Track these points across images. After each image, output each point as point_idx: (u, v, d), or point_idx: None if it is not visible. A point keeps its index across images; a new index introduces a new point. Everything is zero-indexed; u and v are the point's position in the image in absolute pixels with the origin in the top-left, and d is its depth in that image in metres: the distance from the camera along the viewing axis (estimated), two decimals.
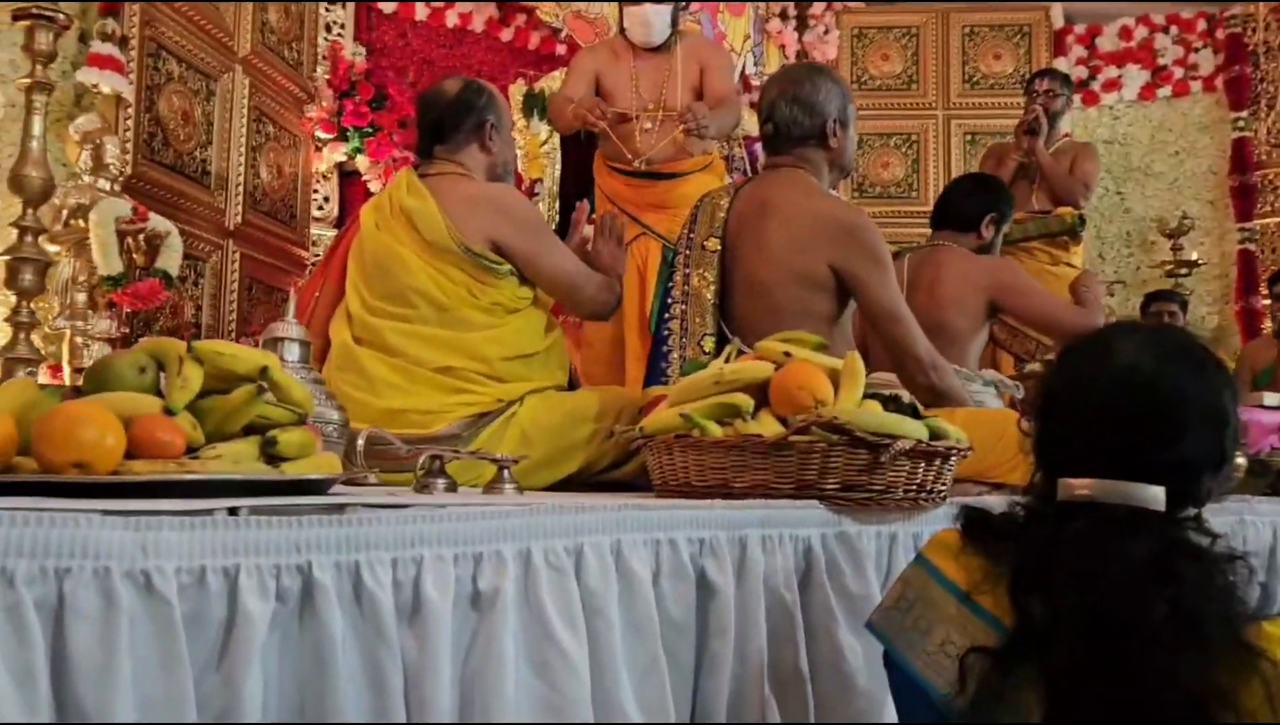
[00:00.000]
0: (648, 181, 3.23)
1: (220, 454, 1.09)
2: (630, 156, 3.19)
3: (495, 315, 2.11)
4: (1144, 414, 0.98)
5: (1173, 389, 0.98)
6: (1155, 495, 0.96)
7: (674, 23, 3.33)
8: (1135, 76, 5.78)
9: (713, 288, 2.10)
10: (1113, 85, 5.82)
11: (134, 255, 2.86)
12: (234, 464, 1.11)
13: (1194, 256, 5.31)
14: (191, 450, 1.10)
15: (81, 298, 2.71)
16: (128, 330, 3.04)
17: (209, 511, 0.93)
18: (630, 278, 3.16)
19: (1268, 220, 5.38)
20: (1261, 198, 5.41)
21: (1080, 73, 5.87)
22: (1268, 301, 5.14)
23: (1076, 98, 5.81)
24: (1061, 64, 5.77)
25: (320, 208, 4.38)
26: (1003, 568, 0.98)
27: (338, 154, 4.38)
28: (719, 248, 2.11)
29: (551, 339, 2.22)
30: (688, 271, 2.14)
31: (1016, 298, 2.67)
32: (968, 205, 2.84)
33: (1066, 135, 4.60)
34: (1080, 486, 0.98)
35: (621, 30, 3.38)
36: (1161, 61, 5.74)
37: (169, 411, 1.09)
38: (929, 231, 4.67)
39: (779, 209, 2.05)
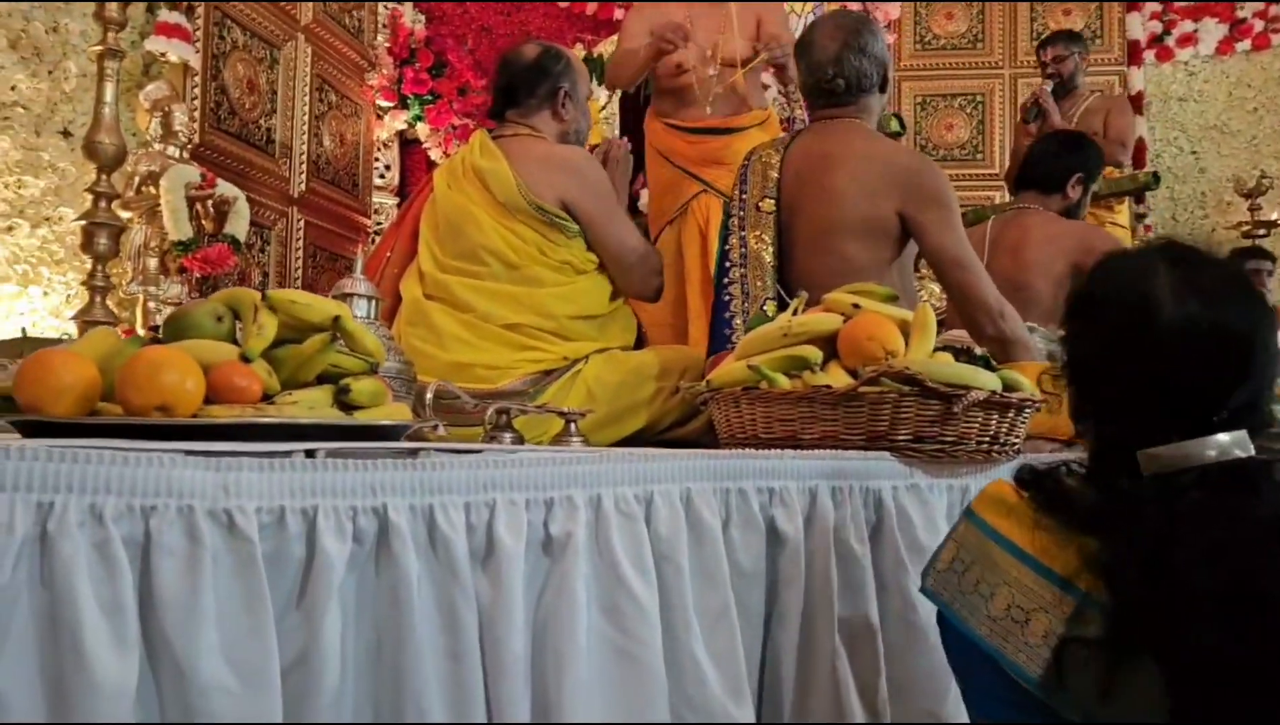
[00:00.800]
0: (706, 136, 3.20)
1: (296, 400, 1.11)
2: (695, 106, 3.15)
3: (564, 274, 2.13)
4: (1213, 364, 0.91)
5: (1234, 331, 0.92)
6: (1242, 440, 0.91)
7: None
8: (1212, 31, 5.57)
9: (770, 250, 2.07)
10: (1188, 40, 5.61)
11: (203, 221, 2.92)
12: (309, 409, 1.12)
13: (1274, 217, 5.12)
14: (268, 397, 1.12)
15: (153, 263, 2.77)
16: (198, 294, 3.11)
17: (287, 454, 0.94)
18: (691, 236, 3.15)
19: None
20: None
21: (1154, 27, 5.66)
22: None
23: (1150, 54, 5.63)
24: (1134, 19, 5.59)
25: (382, 176, 4.42)
26: (1073, 529, 0.92)
27: (399, 122, 4.41)
28: (774, 208, 2.08)
29: (619, 303, 2.22)
30: (743, 234, 2.12)
31: None
32: (1054, 165, 2.77)
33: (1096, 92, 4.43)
34: (1165, 454, 0.92)
35: None
36: (1240, 14, 5.52)
37: (245, 358, 1.11)
38: (993, 195, 4.58)
39: (845, 159, 2.02)
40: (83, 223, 2.48)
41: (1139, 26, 5.61)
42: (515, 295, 2.07)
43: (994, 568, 0.96)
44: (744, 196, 2.15)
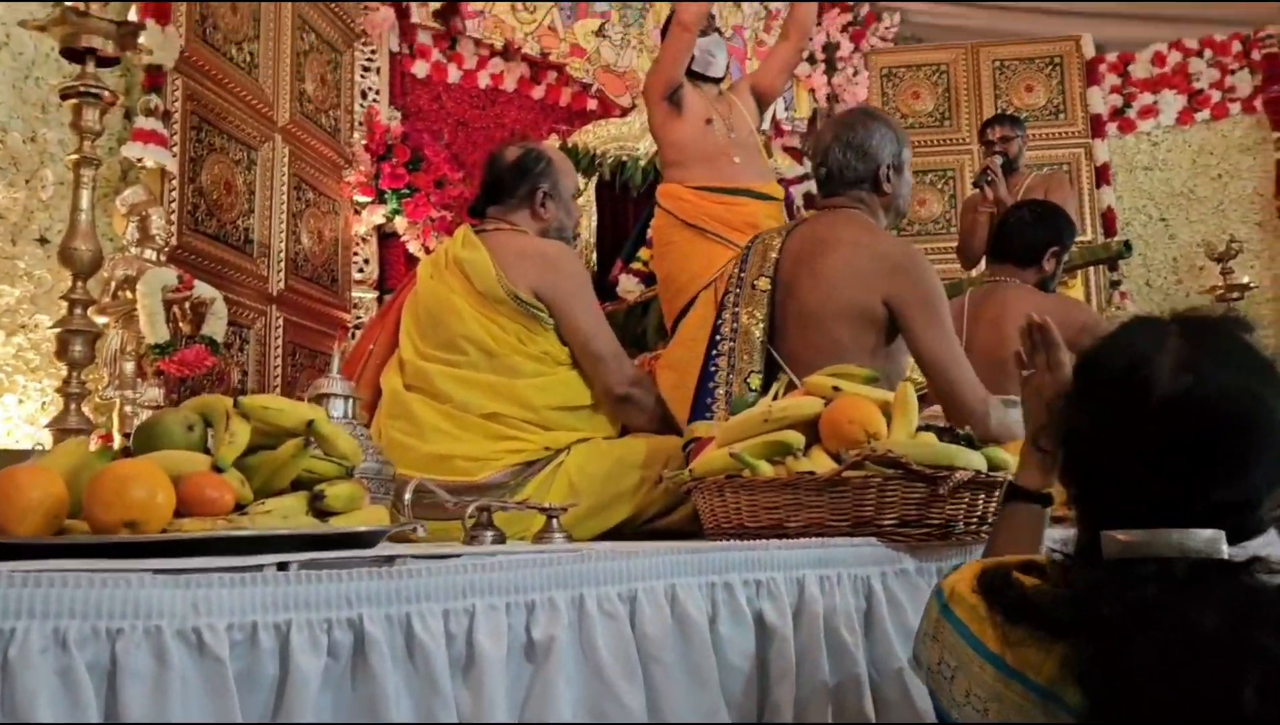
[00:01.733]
0: (743, 199, 3.23)
1: (269, 509, 1.08)
2: (728, 169, 3.22)
3: (544, 364, 2.13)
4: (1200, 448, 0.84)
5: (1229, 414, 0.84)
6: (1215, 541, 0.84)
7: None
8: (1172, 102, 5.73)
9: (761, 326, 2.09)
10: (1149, 112, 5.77)
11: (180, 323, 2.91)
12: (283, 519, 1.10)
13: (1245, 280, 5.20)
14: (240, 507, 1.10)
15: (130, 367, 2.75)
16: (175, 397, 3.09)
17: (259, 567, 0.92)
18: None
19: None
20: None
21: (1115, 101, 5.83)
22: None
23: (1113, 127, 5.78)
24: (1094, 93, 5.75)
25: (360, 270, 4.44)
26: (1049, 634, 0.86)
27: (376, 216, 4.44)
28: (769, 287, 2.11)
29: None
30: (736, 310, 2.14)
31: (1087, 337, 2.63)
32: (1029, 237, 2.79)
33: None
34: (1128, 541, 0.85)
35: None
36: (1198, 85, 5.69)
37: (217, 468, 1.09)
38: (964, 266, 4.63)
39: (837, 244, 2.05)
40: (58, 330, 2.47)
41: (1100, 100, 5.78)
42: (494, 385, 2.06)
43: (982, 683, 0.91)
44: (742, 275, 2.19)
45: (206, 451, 1.15)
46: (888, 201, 2.15)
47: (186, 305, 2.88)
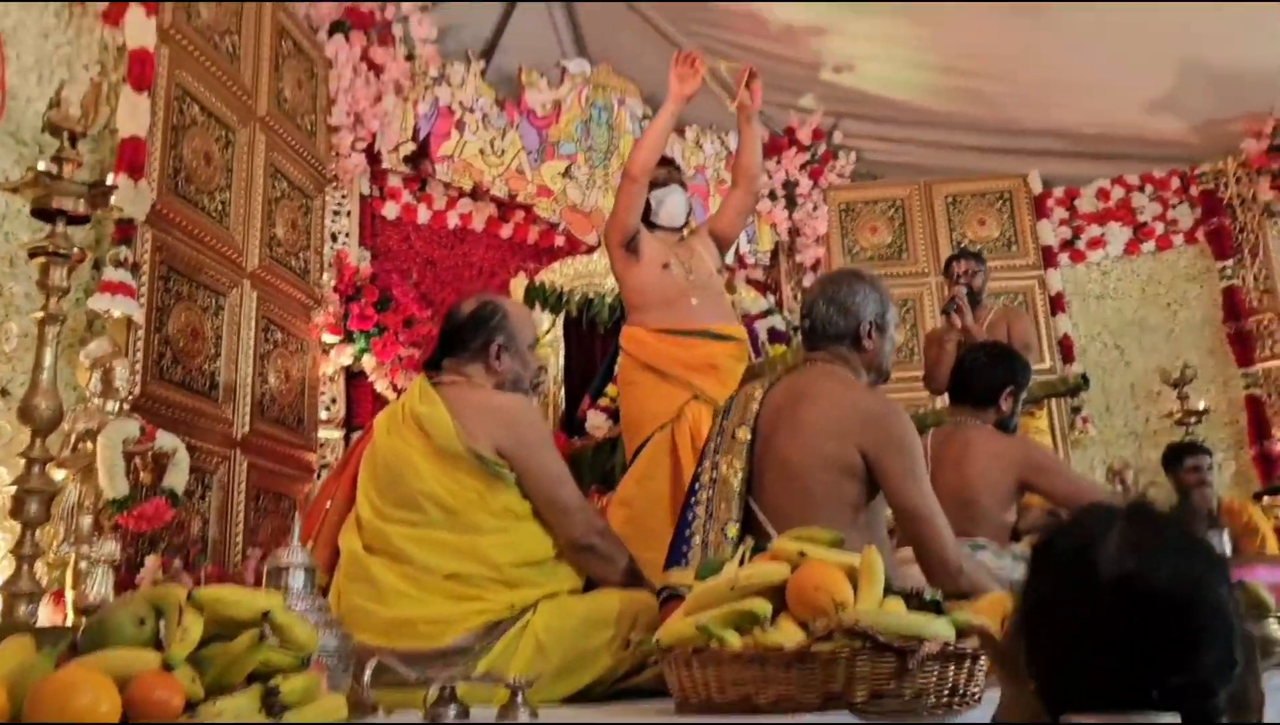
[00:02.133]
0: (701, 340, 3.28)
1: (220, 710, 1.05)
2: (687, 312, 3.28)
3: (506, 519, 2.11)
4: (1149, 629, 0.86)
5: (1177, 594, 0.86)
6: None
7: (689, 209, 3.56)
8: (1118, 234, 5.95)
9: (740, 476, 2.10)
10: (1097, 243, 5.98)
11: (141, 474, 2.86)
12: (235, 716, 1.07)
13: (1201, 405, 5.30)
14: (191, 705, 1.06)
15: (87, 522, 2.69)
16: (133, 551, 3.02)
17: None
18: (684, 439, 3.17)
19: (1269, 364, 5.41)
20: (1260, 343, 5.46)
21: (1064, 233, 6.04)
22: None
23: (1064, 256, 5.98)
24: (1044, 226, 5.96)
25: (327, 409, 4.42)
26: None
27: (344, 356, 4.45)
28: (749, 437, 2.13)
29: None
30: (717, 458, 2.16)
31: (1047, 477, 2.67)
32: (984, 379, 2.86)
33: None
34: None
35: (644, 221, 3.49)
36: (1142, 218, 5.93)
37: (168, 665, 1.06)
38: (928, 395, 4.70)
39: (816, 396, 2.08)
40: (14, 488, 2.42)
41: (1050, 232, 5.99)
42: (455, 544, 2.04)
43: None
44: (724, 424, 2.22)
45: (159, 645, 1.11)
46: (869, 359, 2.19)
47: (148, 456, 2.84)
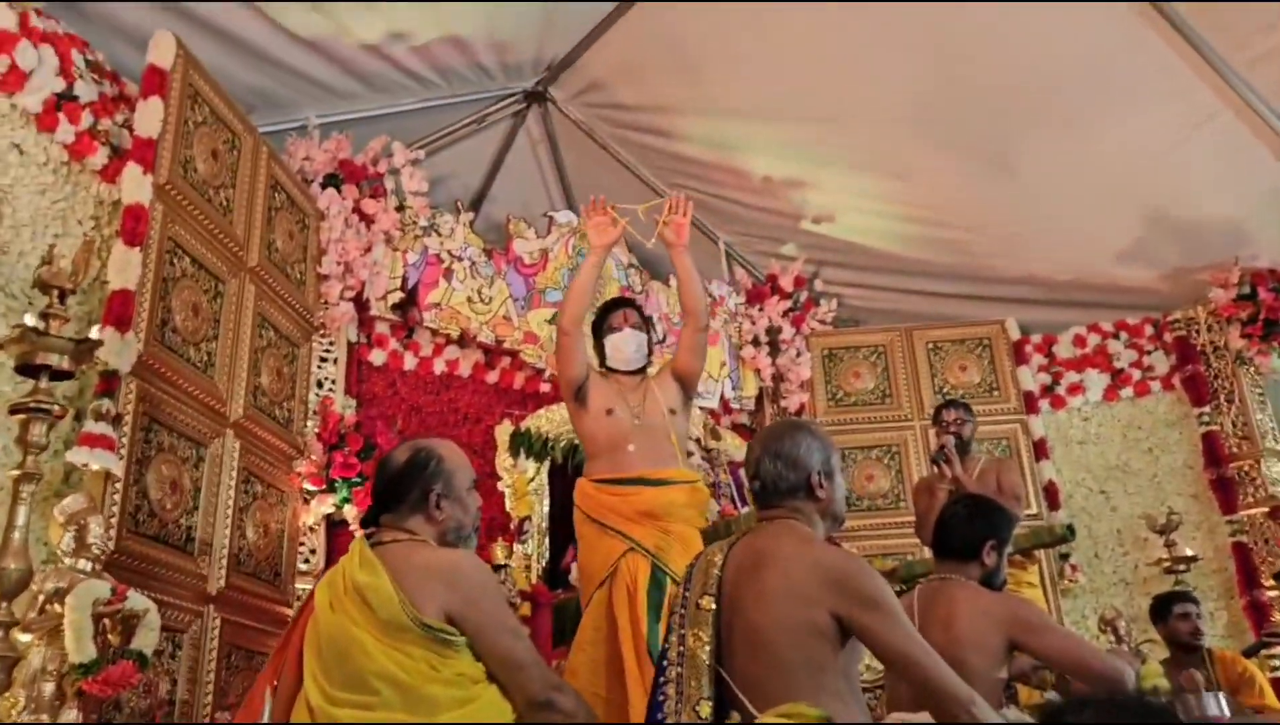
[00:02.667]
0: (637, 487, 3.27)
1: None
2: (626, 460, 3.28)
3: (460, 688, 1.99)
4: None
5: None
6: None
7: (649, 350, 3.59)
8: (1096, 380, 6.04)
9: (708, 648, 2.03)
10: (1076, 389, 6.06)
11: (109, 635, 2.77)
12: None
13: (1188, 552, 5.27)
14: None
15: (50, 688, 2.59)
16: (96, 717, 2.89)
17: None
18: (620, 597, 3.12)
19: (1253, 511, 5.41)
20: (1241, 489, 5.47)
21: (1044, 379, 6.12)
22: (1274, 593, 5.06)
23: (1045, 402, 6.04)
24: (1024, 372, 6.04)
25: (306, 561, 4.33)
26: None
27: (325, 506, 4.39)
28: (714, 606, 2.07)
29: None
30: (683, 632, 2.09)
31: (1038, 636, 2.62)
32: (966, 534, 2.83)
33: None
34: None
35: (601, 364, 3.54)
36: (1118, 365, 6.03)
37: None
38: (917, 540, 4.66)
39: (775, 558, 2.04)
40: None
41: (1030, 379, 6.07)
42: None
43: None
44: (687, 594, 2.16)
45: None
46: (824, 507, 2.18)
47: (117, 617, 2.76)
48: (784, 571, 2.01)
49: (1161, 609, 4.38)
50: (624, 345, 3.50)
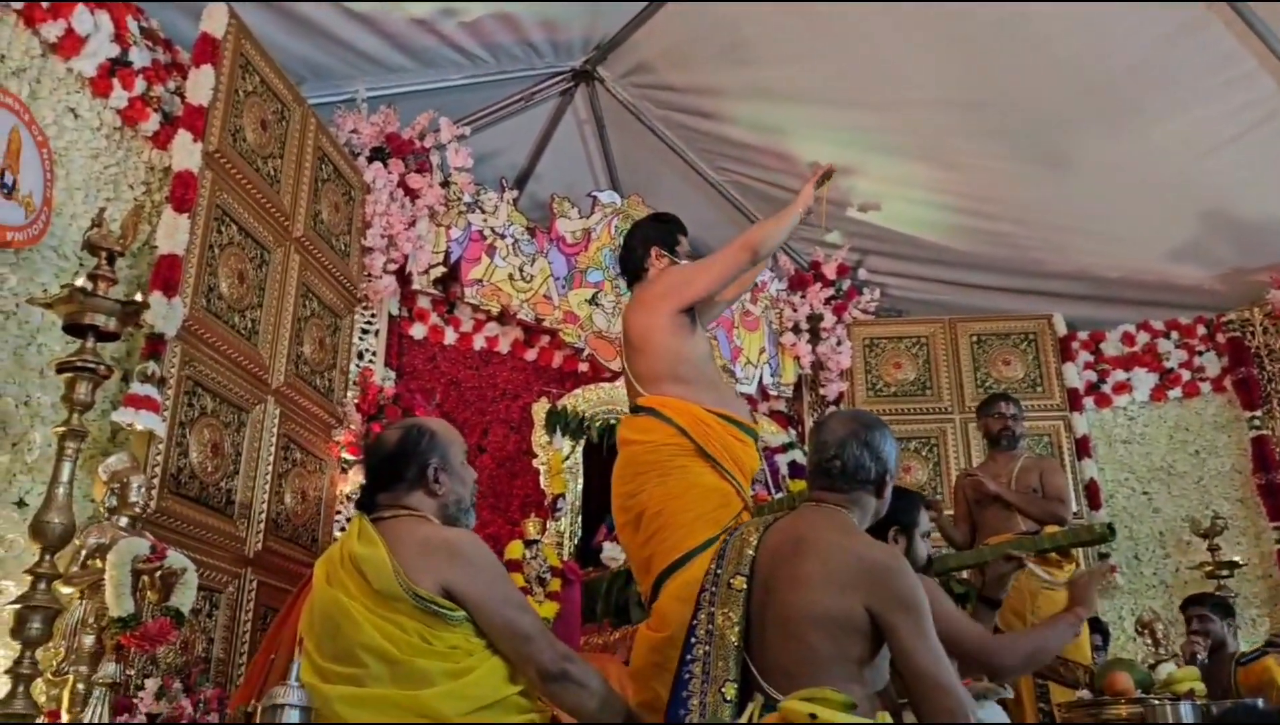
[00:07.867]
0: (753, 441, 2.91)
1: None
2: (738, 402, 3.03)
3: (454, 660, 1.99)
4: None
5: None
6: None
7: None
8: (1144, 379, 5.92)
9: (737, 629, 2.02)
10: (1123, 388, 5.94)
11: (148, 592, 2.83)
12: None
13: (1233, 557, 5.15)
14: None
15: (89, 641, 2.64)
16: (132, 672, 2.95)
17: None
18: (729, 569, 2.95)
19: None
20: None
21: (1090, 377, 6.01)
22: None
23: (1089, 400, 5.94)
24: (1070, 368, 5.94)
25: (342, 529, 4.38)
26: None
27: (362, 476, 4.43)
28: (745, 586, 2.06)
29: (522, 683, 2.06)
30: (712, 609, 2.08)
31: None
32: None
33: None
34: None
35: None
36: (1168, 364, 5.90)
37: None
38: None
39: (816, 546, 2.01)
40: (18, 606, 2.40)
41: (1076, 375, 5.96)
42: (398, 702, 1.90)
43: None
44: (719, 572, 2.14)
45: None
46: (880, 506, 2.19)
47: (156, 575, 2.81)
48: (824, 559, 1.98)
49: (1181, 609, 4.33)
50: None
